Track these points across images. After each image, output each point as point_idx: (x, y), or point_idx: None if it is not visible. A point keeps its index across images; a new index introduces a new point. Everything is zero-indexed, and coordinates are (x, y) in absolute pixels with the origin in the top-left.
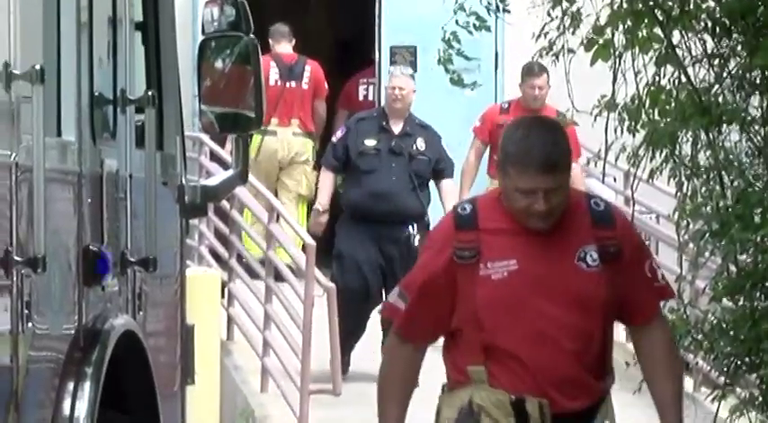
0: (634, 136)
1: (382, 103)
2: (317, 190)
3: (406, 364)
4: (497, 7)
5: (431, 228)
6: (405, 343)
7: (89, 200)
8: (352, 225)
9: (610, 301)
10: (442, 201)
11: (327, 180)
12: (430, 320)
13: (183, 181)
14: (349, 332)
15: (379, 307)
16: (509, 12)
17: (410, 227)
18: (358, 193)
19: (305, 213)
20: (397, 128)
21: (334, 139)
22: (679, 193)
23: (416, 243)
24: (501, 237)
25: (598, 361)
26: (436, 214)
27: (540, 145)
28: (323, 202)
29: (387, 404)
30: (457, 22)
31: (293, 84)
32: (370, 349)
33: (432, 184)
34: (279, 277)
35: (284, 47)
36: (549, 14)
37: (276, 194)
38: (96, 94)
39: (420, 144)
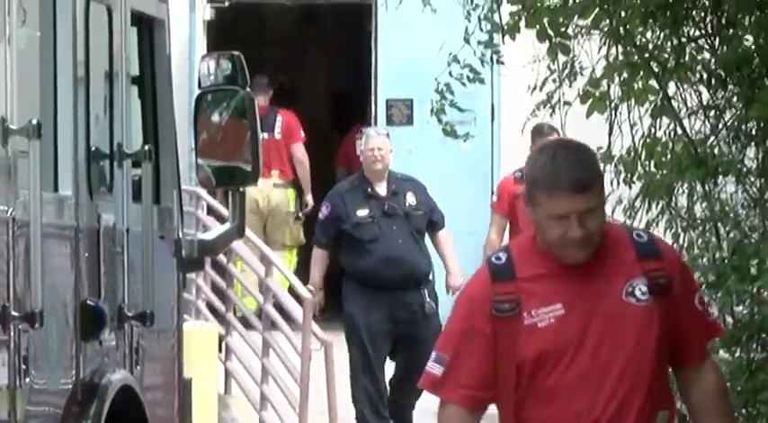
0: (630, 188)
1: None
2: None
3: None
4: (492, 59)
5: (435, 287)
6: (451, 409)
7: (86, 254)
8: (363, 292)
9: (662, 337)
10: (443, 254)
11: (318, 259)
12: (473, 380)
13: (180, 235)
14: (363, 402)
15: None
16: (503, 64)
17: (423, 291)
18: (368, 262)
19: (294, 263)
20: (382, 190)
21: (320, 216)
22: (675, 245)
23: (430, 309)
24: (542, 282)
25: (652, 405)
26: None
27: (567, 165)
28: (315, 281)
29: None
30: (451, 73)
31: (265, 135)
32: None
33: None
34: (276, 325)
35: (260, 99)
36: (549, 68)
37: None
38: (93, 148)
39: (411, 199)
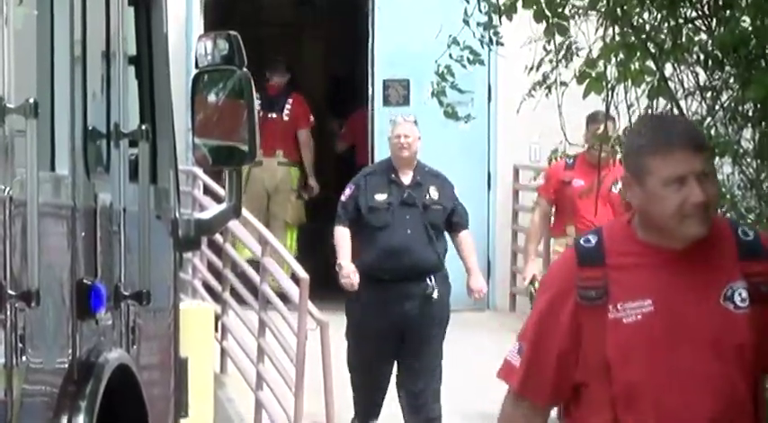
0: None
1: (375, 139)
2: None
3: None
4: (491, 41)
5: (449, 280)
6: (520, 402)
7: (83, 233)
8: (367, 287)
9: (760, 350)
10: (463, 256)
11: (341, 237)
12: (550, 373)
13: (177, 214)
14: (368, 392)
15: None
16: (503, 45)
17: (428, 279)
18: (372, 252)
19: (293, 240)
20: (406, 178)
21: (343, 197)
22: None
23: (435, 296)
24: (633, 273)
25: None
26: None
27: (680, 126)
28: (344, 261)
29: None
30: (451, 55)
31: (274, 115)
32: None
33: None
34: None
35: (275, 79)
36: (544, 49)
37: (267, 224)
38: (90, 128)
39: (433, 193)
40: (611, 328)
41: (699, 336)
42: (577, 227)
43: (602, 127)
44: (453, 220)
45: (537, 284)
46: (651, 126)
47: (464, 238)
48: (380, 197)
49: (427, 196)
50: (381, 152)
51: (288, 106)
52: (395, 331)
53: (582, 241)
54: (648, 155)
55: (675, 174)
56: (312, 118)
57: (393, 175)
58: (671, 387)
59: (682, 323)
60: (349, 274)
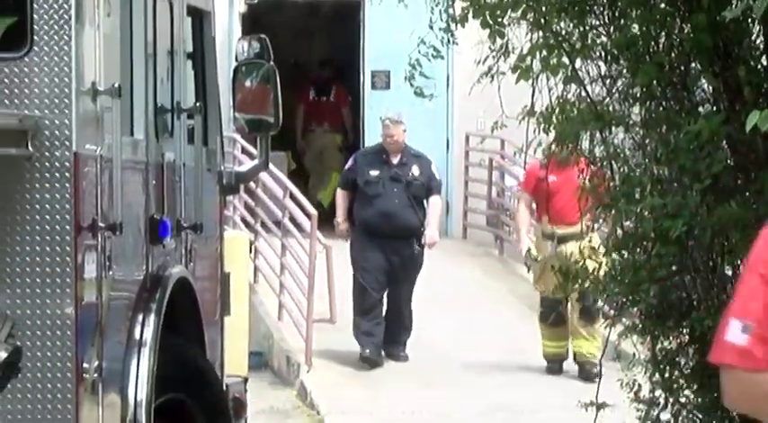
0: (547, 135)
1: (365, 120)
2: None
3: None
4: (449, 41)
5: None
6: (756, 374)
7: (153, 182)
8: (364, 238)
9: None
10: (428, 213)
11: (342, 199)
12: None
13: (222, 168)
14: (370, 318)
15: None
16: (457, 44)
17: (413, 239)
18: (369, 213)
19: (335, 179)
20: (395, 159)
21: (345, 167)
22: (581, 177)
23: (416, 252)
24: None
25: None
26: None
27: None
28: (340, 218)
29: None
30: (419, 51)
31: (324, 98)
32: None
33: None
34: (291, 233)
35: (325, 73)
36: (489, 48)
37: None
38: (159, 105)
39: (415, 171)
40: None
41: None
42: (550, 215)
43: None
44: (429, 186)
45: (532, 253)
46: None
47: (433, 201)
48: (374, 173)
49: (410, 174)
50: (370, 125)
51: (333, 92)
52: (385, 271)
53: None
54: None
55: None
56: (350, 98)
57: (384, 156)
58: None
59: None
60: (342, 229)
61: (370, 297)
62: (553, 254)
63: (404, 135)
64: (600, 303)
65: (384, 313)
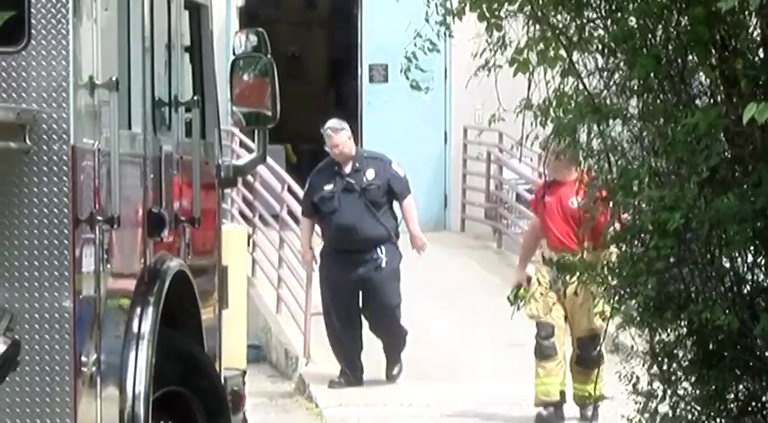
0: (545, 128)
1: (363, 114)
2: None
3: None
4: (445, 34)
5: (399, 250)
6: None
7: (151, 175)
8: (330, 255)
9: None
10: (405, 220)
11: (305, 227)
12: None
13: (220, 161)
14: (342, 343)
15: None
16: (453, 37)
17: (378, 250)
18: (329, 230)
19: None
20: (347, 168)
21: (303, 192)
22: (578, 169)
23: (384, 264)
24: None
25: None
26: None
27: None
28: (303, 248)
29: None
30: (416, 44)
31: None
32: None
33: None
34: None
35: None
36: (486, 41)
37: None
38: (156, 98)
39: (369, 175)
40: None
41: None
42: (548, 242)
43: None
44: (393, 191)
45: (521, 292)
46: None
47: (405, 207)
48: (328, 187)
49: (365, 179)
50: (368, 119)
51: None
52: (353, 290)
53: None
54: None
55: None
56: None
57: (336, 167)
58: None
59: None
60: (307, 259)
61: (336, 321)
62: (552, 282)
63: (349, 141)
64: (602, 349)
65: (373, 330)
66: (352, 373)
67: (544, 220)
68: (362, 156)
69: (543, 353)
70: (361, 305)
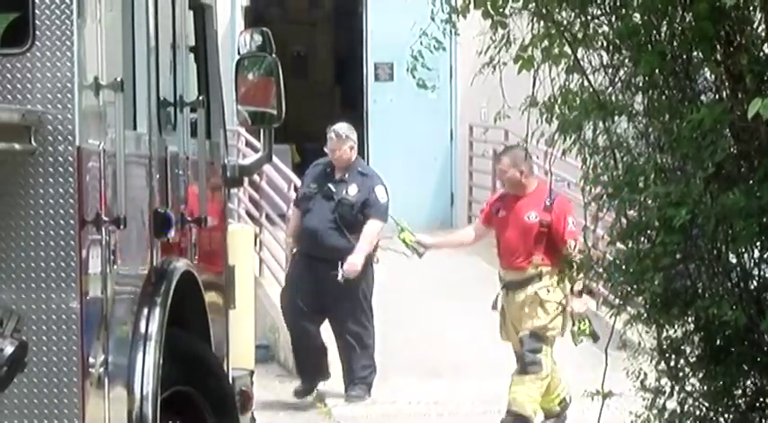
0: (550, 125)
1: (369, 113)
2: None
3: None
4: (451, 32)
5: (368, 264)
6: None
7: (157, 176)
8: (296, 255)
9: None
10: (360, 238)
11: (293, 217)
12: None
13: (226, 161)
14: (297, 350)
15: None
16: (459, 35)
17: (340, 263)
18: (300, 229)
19: None
20: (338, 175)
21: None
22: (584, 166)
23: (341, 279)
24: None
25: None
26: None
27: None
28: (288, 237)
29: None
30: (421, 43)
31: None
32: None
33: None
34: None
35: None
36: (491, 38)
37: None
38: (161, 98)
39: (351, 190)
40: None
41: None
42: (500, 260)
43: (500, 164)
44: (364, 211)
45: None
46: None
47: (367, 226)
48: (312, 186)
49: (345, 192)
50: (373, 117)
51: None
52: (313, 295)
53: None
54: None
55: None
56: None
57: (329, 170)
58: None
59: None
60: (289, 242)
61: (290, 321)
62: (505, 304)
63: (349, 152)
64: (538, 356)
65: (337, 341)
66: (302, 382)
67: (497, 236)
68: (356, 169)
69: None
70: (321, 316)
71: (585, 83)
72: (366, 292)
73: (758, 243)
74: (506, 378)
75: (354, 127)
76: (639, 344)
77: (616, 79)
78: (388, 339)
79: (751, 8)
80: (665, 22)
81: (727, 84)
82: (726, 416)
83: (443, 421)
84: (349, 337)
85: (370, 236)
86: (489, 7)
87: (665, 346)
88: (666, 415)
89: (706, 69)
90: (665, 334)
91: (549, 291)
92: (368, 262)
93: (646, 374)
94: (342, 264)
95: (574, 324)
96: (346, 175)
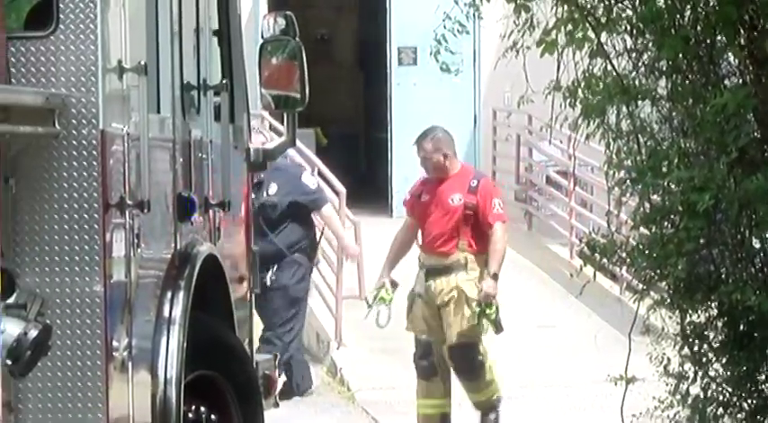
0: (573, 109)
1: (392, 97)
2: None
3: None
4: (475, 15)
5: (299, 266)
6: None
7: (181, 160)
8: None
9: None
10: (332, 232)
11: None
12: None
13: (249, 145)
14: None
15: None
16: (482, 19)
17: (268, 269)
18: None
19: None
20: (254, 178)
21: None
22: (607, 151)
23: (268, 282)
24: None
25: None
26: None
27: None
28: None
29: None
30: (445, 26)
31: None
32: None
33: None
34: None
35: None
36: (514, 22)
37: None
38: (185, 82)
39: (271, 189)
40: None
41: None
42: (423, 246)
43: (420, 149)
44: (304, 203)
45: (382, 295)
46: None
47: (325, 219)
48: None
49: (264, 194)
50: (397, 102)
51: None
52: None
53: None
54: None
55: None
56: None
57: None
58: None
59: None
60: None
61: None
62: (421, 290)
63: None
64: (477, 360)
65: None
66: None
67: (420, 221)
68: (273, 166)
69: (421, 373)
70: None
71: (609, 67)
72: (291, 293)
73: None
74: (530, 362)
75: (377, 111)
76: (663, 329)
77: (639, 63)
78: None
79: None
80: (688, 7)
81: (750, 68)
82: (749, 401)
83: (462, 409)
84: (269, 338)
85: (334, 223)
86: None
87: (688, 332)
88: (690, 400)
89: (729, 54)
90: (688, 319)
91: (474, 286)
92: (297, 260)
93: (669, 360)
94: (273, 268)
95: (479, 305)
96: (262, 175)
